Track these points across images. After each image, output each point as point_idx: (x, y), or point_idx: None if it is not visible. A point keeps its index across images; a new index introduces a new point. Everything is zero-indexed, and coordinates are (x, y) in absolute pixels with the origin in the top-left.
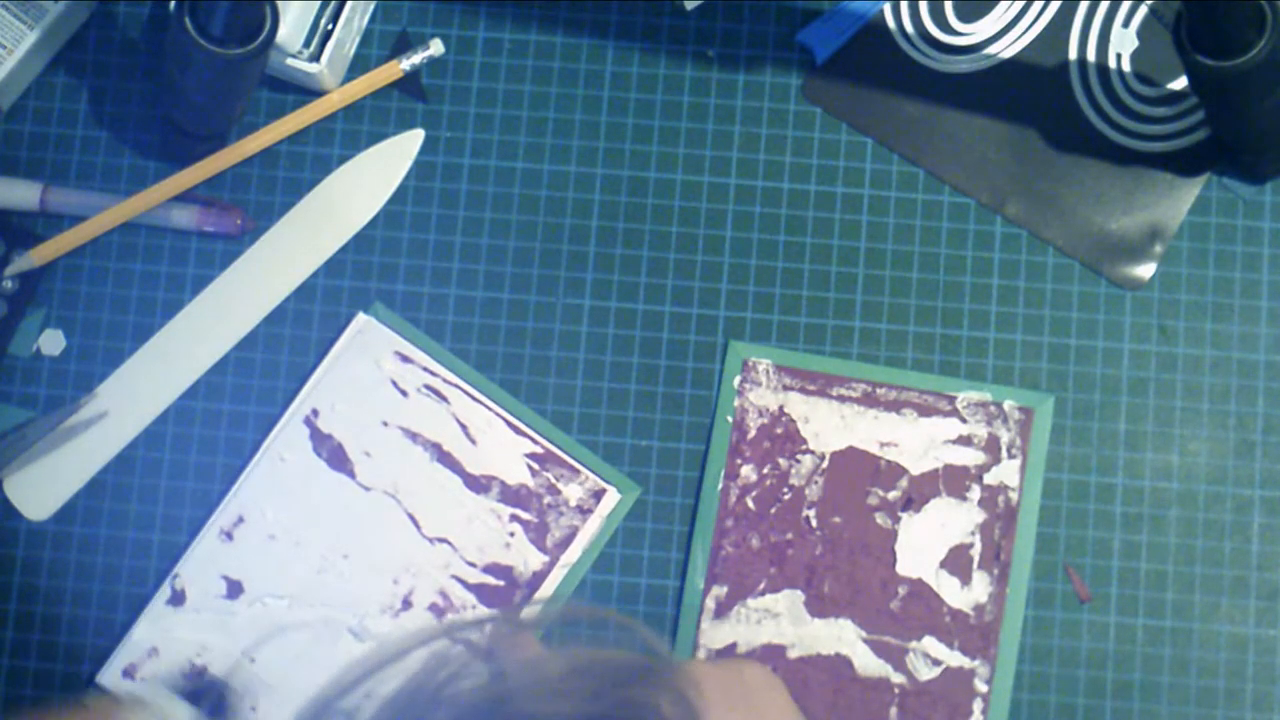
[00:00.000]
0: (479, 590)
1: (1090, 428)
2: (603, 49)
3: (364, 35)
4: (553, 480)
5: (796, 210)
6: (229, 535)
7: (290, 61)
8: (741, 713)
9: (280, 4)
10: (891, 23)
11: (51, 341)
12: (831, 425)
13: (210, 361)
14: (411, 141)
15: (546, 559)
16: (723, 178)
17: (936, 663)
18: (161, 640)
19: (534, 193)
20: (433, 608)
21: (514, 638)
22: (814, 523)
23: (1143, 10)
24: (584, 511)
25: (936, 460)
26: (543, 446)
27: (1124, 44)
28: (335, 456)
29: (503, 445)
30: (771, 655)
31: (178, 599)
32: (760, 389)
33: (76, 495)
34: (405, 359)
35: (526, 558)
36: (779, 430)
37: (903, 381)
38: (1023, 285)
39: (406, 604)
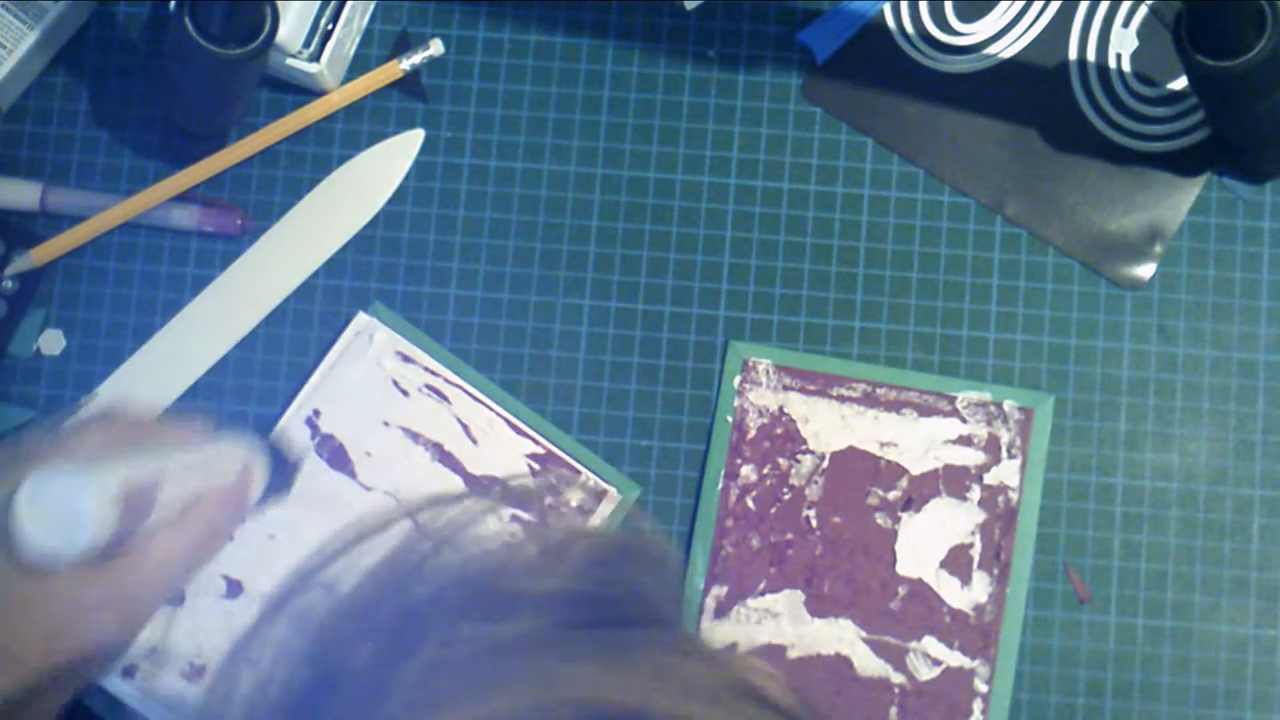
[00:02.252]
0: None
1: (1090, 428)
2: (603, 49)
3: (364, 35)
4: (553, 481)
5: (796, 210)
6: (229, 535)
7: (290, 61)
8: None
9: (280, 4)
10: (891, 23)
11: (51, 341)
12: (831, 425)
13: (210, 361)
14: (411, 141)
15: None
16: (723, 178)
17: (936, 663)
18: (161, 640)
19: (534, 193)
20: None
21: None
22: (814, 523)
23: (1143, 10)
24: (584, 512)
25: (936, 460)
26: (543, 447)
27: (1124, 44)
28: (336, 456)
29: (504, 445)
30: (771, 655)
31: (177, 599)
32: (760, 389)
33: None
34: (406, 359)
35: None
36: (779, 430)
37: (903, 381)
38: (1023, 285)
39: None
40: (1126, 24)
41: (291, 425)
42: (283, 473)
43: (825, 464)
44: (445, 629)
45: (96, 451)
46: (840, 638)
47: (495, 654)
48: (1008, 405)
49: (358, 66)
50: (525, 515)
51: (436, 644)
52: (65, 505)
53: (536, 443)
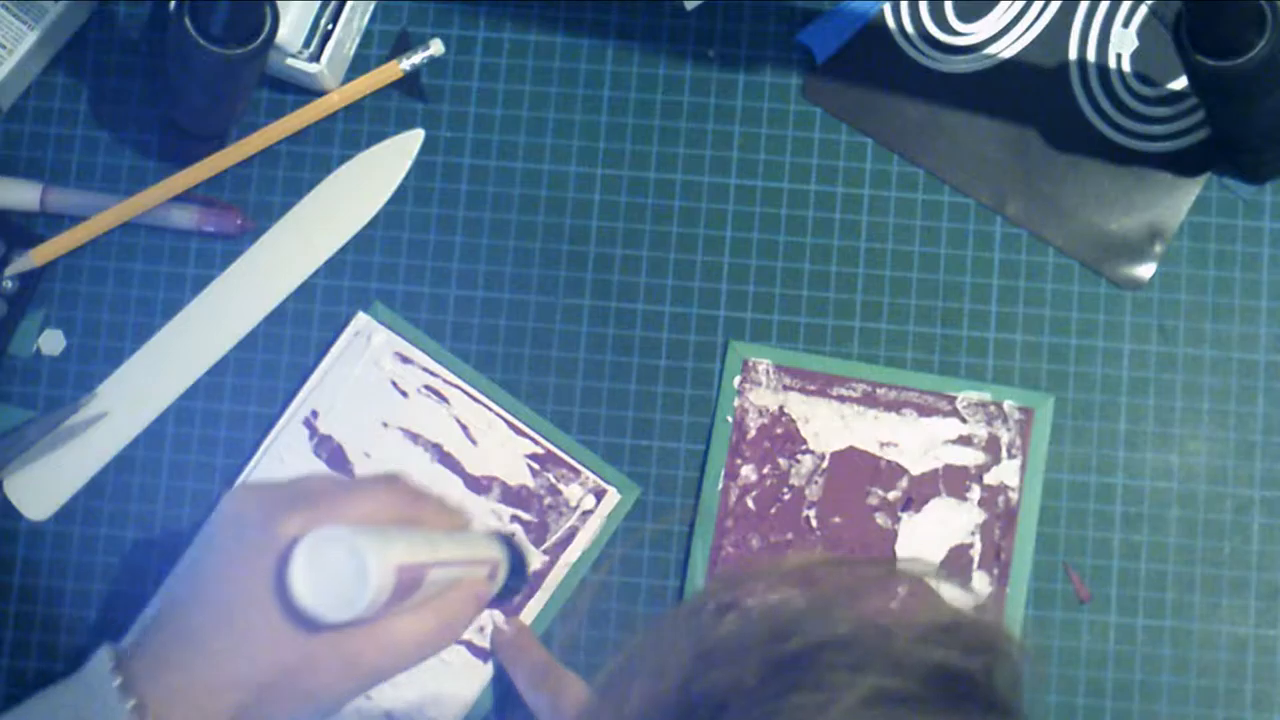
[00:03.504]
0: None
1: (1090, 428)
2: (603, 49)
3: (364, 35)
4: (553, 481)
5: (796, 210)
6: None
7: (290, 61)
8: None
9: (280, 4)
10: (891, 23)
11: (51, 341)
12: (831, 425)
13: (210, 361)
14: (411, 141)
15: (547, 559)
16: (723, 178)
17: None
18: None
19: (534, 193)
20: None
21: (515, 637)
22: (814, 523)
23: (1143, 10)
24: (584, 512)
25: (936, 460)
26: (543, 447)
27: (1124, 44)
28: (335, 458)
29: (503, 446)
30: None
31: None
32: (760, 389)
33: (76, 495)
34: (405, 359)
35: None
36: (779, 430)
37: (903, 381)
38: (1023, 285)
39: None
40: (1126, 24)
41: (288, 429)
42: (519, 574)
43: (825, 464)
44: (827, 675)
45: (378, 517)
46: None
47: (881, 711)
48: (1008, 405)
49: (358, 66)
50: (526, 516)
51: (819, 687)
52: (345, 572)
53: (536, 443)
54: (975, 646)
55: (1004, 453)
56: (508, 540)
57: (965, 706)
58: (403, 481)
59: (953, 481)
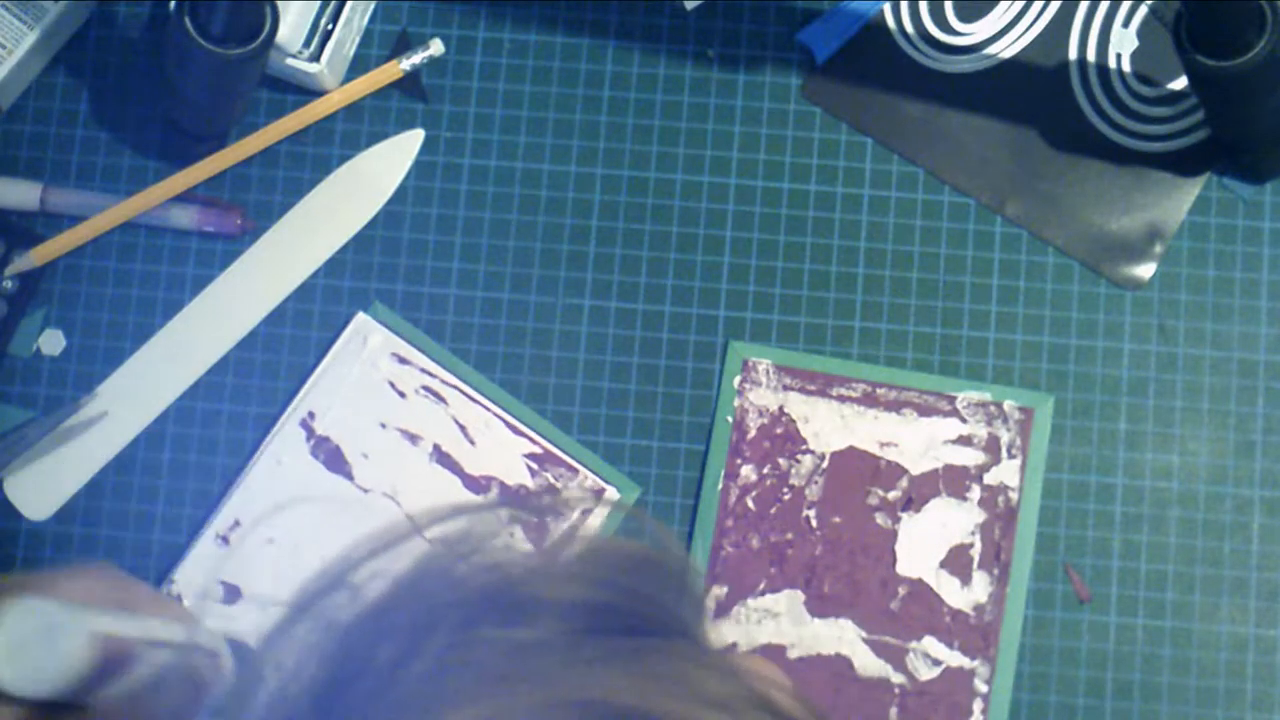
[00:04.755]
0: None
1: (1090, 428)
2: (603, 49)
3: (364, 35)
4: (552, 480)
5: (796, 210)
6: (225, 540)
7: (290, 61)
8: None
9: (280, 4)
10: (891, 23)
11: (51, 341)
12: (831, 425)
13: (210, 361)
14: (411, 141)
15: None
16: (723, 178)
17: (936, 663)
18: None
19: (534, 193)
20: None
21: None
22: (814, 523)
23: (1143, 10)
24: (584, 512)
25: (936, 460)
26: (541, 447)
27: (1124, 44)
28: (333, 459)
29: (501, 446)
30: (771, 655)
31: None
32: (760, 389)
33: (76, 495)
34: (402, 360)
35: None
36: (779, 430)
37: (903, 381)
38: (1023, 285)
39: None
40: (1126, 24)
41: (286, 430)
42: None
43: (825, 464)
44: (462, 632)
45: (83, 598)
46: (840, 638)
47: (506, 655)
48: (1008, 405)
49: (358, 66)
50: (526, 517)
51: (449, 645)
52: (43, 639)
53: (534, 443)
54: (609, 576)
55: (1004, 453)
56: (236, 643)
57: (614, 639)
58: (110, 571)
59: (953, 481)
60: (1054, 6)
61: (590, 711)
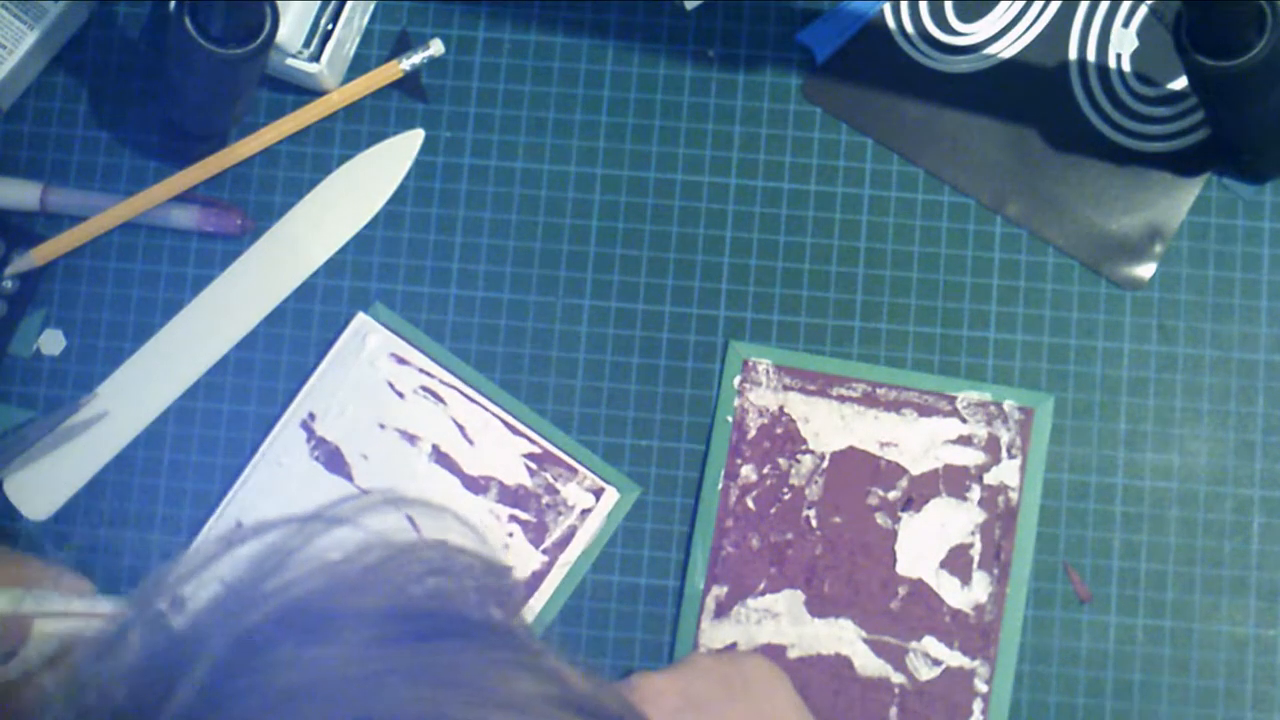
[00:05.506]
0: None
1: (1090, 428)
2: (603, 49)
3: (364, 35)
4: (551, 480)
5: (796, 210)
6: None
7: (290, 61)
8: (743, 705)
9: (280, 4)
10: (891, 23)
11: (51, 341)
12: (831, 425)
13: (210, 361)
14: (411, 141)
15: (546, 559)
16: (723, 178)
17: (936, 663)
18: None
19: (534, 193)
20: None
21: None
22: (814, 523)
23: (1143, 10)
24: (583, 511)
25: (936, 460)
26: (540, 446)
27: (1124, 44)
28: (332, 459)
29: (500, 446)
30: (771, 655)
31: (176, 605)
32: (760, 389)
33: (76, 495)
34: (401, 360)
35: (525, 558)
36: (779, 430)
37: (903, 381)
38: (1023, 285)
39: None
40: (1126, 24)
41: (286, 431)
42: None
43: (825, 464)
44: (265, 654)
45: None
46: (840, 638)
47: (298, 675)
48: (1008, 405)
49: (358, 66)
50: (524, 515)
51: (244, 668)
52: None
53: (533, 442)
54: (406, 581)
55: (1004, 453)
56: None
57: (412, 646)
58: (5, 550)
59: (953, 481)
60: (1054, 6)
61: None
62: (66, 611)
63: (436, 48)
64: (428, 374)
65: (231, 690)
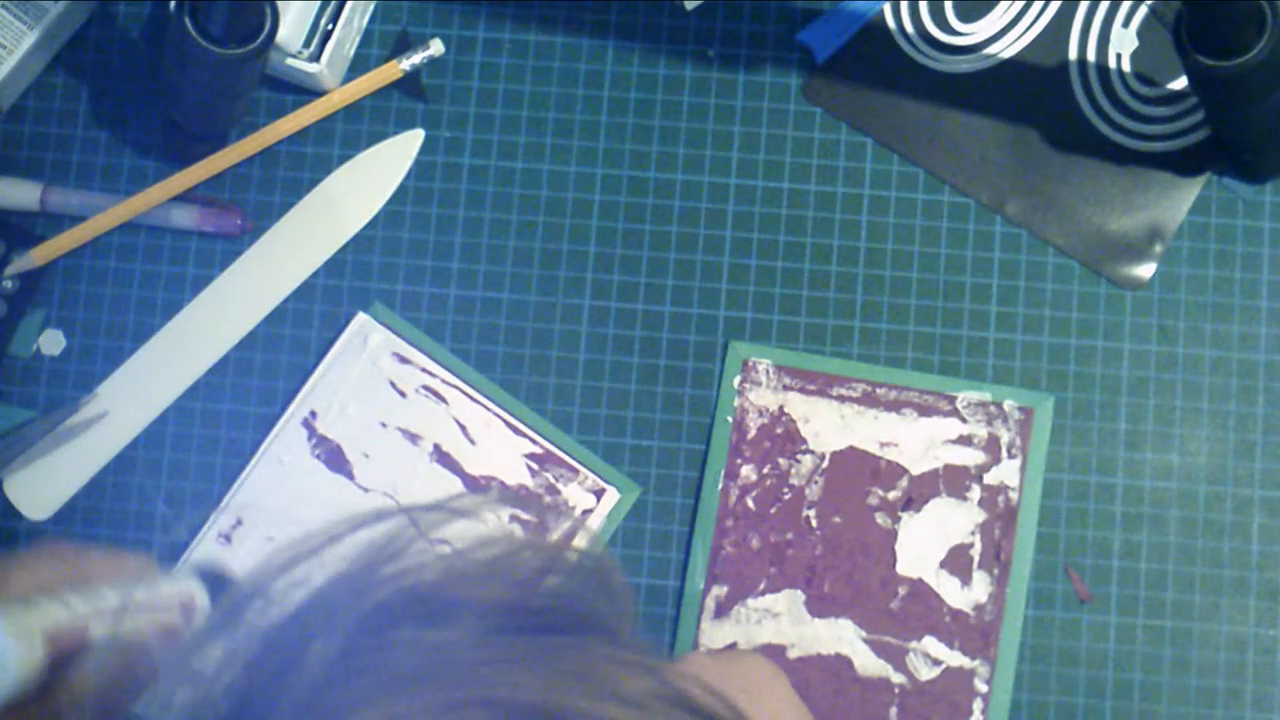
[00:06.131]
0: None
1: (1090, 428)
2: (603, 49)
3: (364, 35)
4: (552, 480)
5: (796, 210)
6: (227, 538)
7: (290, 61)
8: (742, 704)
9: (280, 4)
10: (891, 23)
11: (51, 341)
12: (831, 425)
13: (210, 361)
14: (411, 141)
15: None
16: (723, 178)
17: (936, 663)
18: None
19: (534, 193)
20: None
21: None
22: (814, 523)
23: (1143, 10)
24: (584, 511)
25: (936, 460)
26: (542, 447)
27: (1124, 44)
28: (334, 458)
29: (502, 445)
30: (771, 655)
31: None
32: (760, 389)
33: (76, 495)
34: (403, 360)
35: None
36: (779, 430)
37: (903, 381)
38: (1023, 285)
39: None
40: (1126, 24)
41: (287, 429)
42: (221, 591)
43: (825, 464)
44: (374, 636)
45: (29, 589)
46: (840, 638)
47: (417, 657)
48: (1008, 405)
49: (358, 66)
50: (525, 516)
51: (361, 649)
52: None
53: (534, 442)
54: (525, 576)
55: (1004, 453)
56: (207, 570)
57: (528, 638)
58: (64, 545)
59: (953, 481)
60: (1054, 6)
61: (496, 709)
62: (126, 604)
63: (436, 48)
64: (429, 373)
65: (354, 667)
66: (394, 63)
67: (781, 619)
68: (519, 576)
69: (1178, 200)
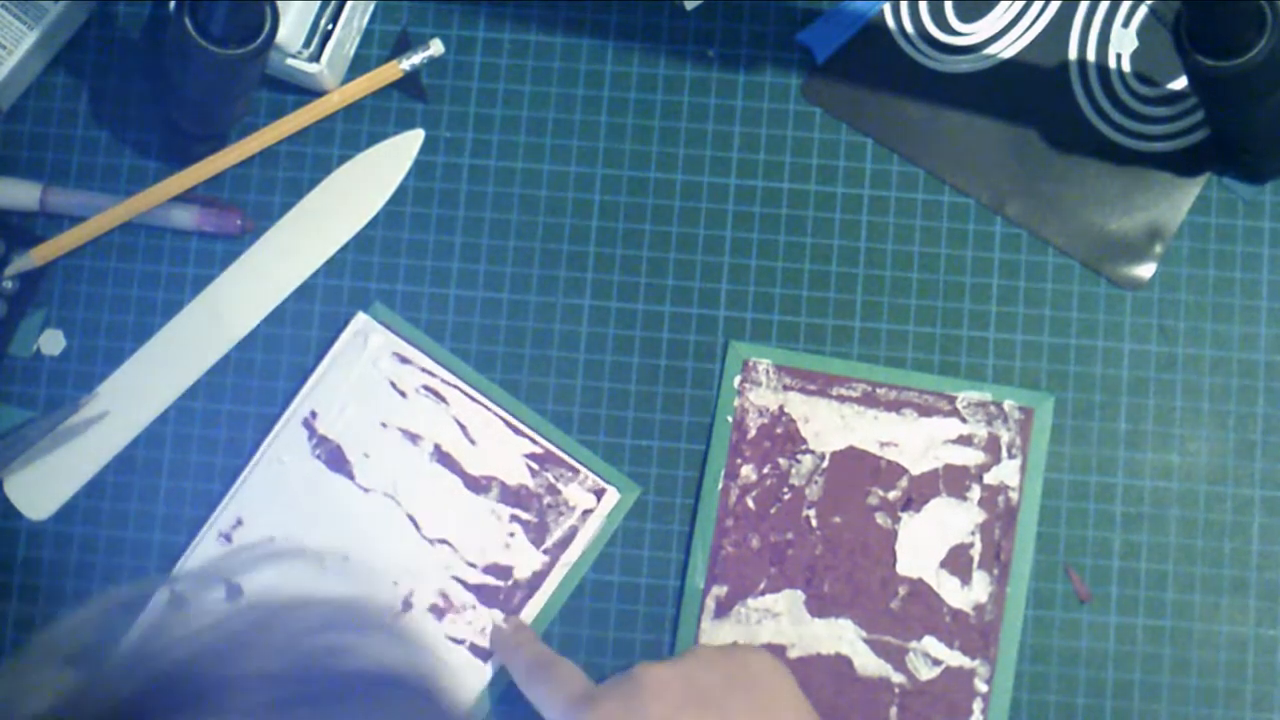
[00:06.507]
0: (479, 591)
1: (1090, 428)
2: (603, 49)
3: (364, 35)
4: (552, 480)
5: (796, 210)
6: (228, 538)
7: (290, 61)
8: (747, 698)
9: (280, 4)
10: (891, 23)
11: (51, 341)
12: (831, 425)
13: (210, 361)
14: (411, 141)
15: (547, 559)
16: (723, 178)
17: (936, 663)
18: None
19: (534, 193)
20: (433, 609)
21: (513, 634)
22: (814, 523)
23: (1143, 10)
24: (584, 511)
25: (936, 460)
26: (542, 447)
27: (1124, 44)
28: (334, 458)
29: (502, 445)
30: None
31: (177, 603)
32: (760, 389)
33: (76, 495)
34: (403, 360)
35: (527, 558)
36: (779, 430)
37: (903, 381)
38: (1023, 285)
39: (407, 605)
40: (1126, 24)
41: (288, 429)
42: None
43: (825, 464)
44: None
45: None
46: (840, 638)
47: None
48: (1008, 405)
49: (358, 66)
50: (525, 515)
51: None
52: None
53: (535, 442)
54: (292, 639)
55: (1004, 452)
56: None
57: (301, 709)
58: None
59: (953, 481)
60: (1054, 6)
61: None
62: None
63: (436, 48)
64: (430, 373)
65: None
66: (394, 63)
67: (781, 619)
68: (291, 638)
69: (1178, 200)
